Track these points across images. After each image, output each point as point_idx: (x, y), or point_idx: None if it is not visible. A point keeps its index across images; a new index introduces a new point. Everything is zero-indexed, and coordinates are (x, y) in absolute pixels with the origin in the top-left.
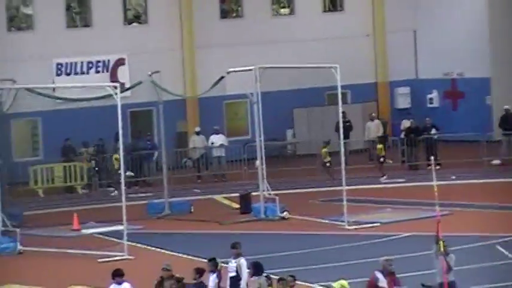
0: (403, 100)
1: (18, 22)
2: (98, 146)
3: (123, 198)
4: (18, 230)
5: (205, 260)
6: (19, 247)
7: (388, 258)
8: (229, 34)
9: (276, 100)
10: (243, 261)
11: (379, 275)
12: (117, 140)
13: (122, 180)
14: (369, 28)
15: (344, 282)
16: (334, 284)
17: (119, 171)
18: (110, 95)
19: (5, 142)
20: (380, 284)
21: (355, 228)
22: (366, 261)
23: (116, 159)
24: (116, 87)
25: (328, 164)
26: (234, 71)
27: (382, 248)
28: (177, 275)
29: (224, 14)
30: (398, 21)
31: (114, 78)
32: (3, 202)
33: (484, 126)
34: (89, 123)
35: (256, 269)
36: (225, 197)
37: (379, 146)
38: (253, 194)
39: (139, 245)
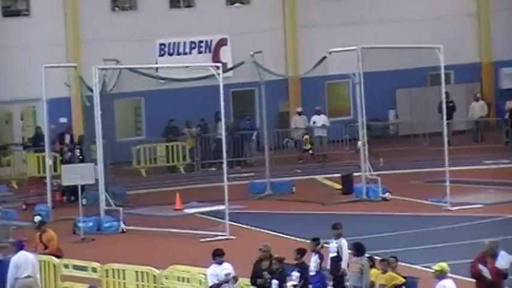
0: (508, 80)
1: (122, 2)
2: (201, 126)
3: (225, 178)
4: (121, 209)
5: (307, 241)
6: (122, 226)
7: (493, 240)
8: (331, 14)
9: (378, 80)
10: (344, 241)
11: (482, 267)
12: (217, 120)
13: (224, 160)
14: (473, 7)
15: (444, 264)
16: (434, 266)
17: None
18: (212, 75)
19: (108, 122)
20: (484, 274)
21: (458, 210)
22: (467, 243)
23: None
24: (218, 68)
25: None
26: (336, 51)
27: (484, 229)
28: (277, 255)
29: None
30: (502, 0)
31: (216, 58)
32: (106, 182)
33: None
34: (191, 103)
35: (358, 250)
36: (326, 178)
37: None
38: (355, 174)
39: (240, 224)
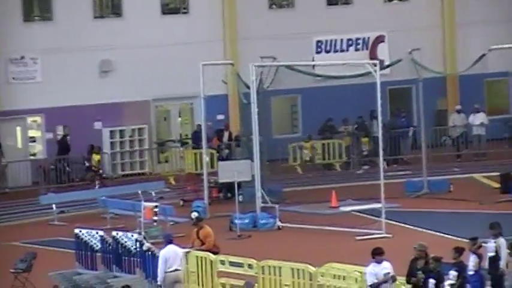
0: None
1: (279, 0)
2: (358, 124)
3: (381, 176)
4: (277, 206)
5: (464, 240)
6: (278, 223)
7: None
8: (489, 11)
9: None
10: (502, 241)
11: None
12: (373, 117)
13: (380, 158)
14: None
15: None
16: None
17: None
18: (369, 73)
19: (265, 119)
20: None
21: None
22: None
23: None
24: (375, 65)
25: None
26: (496, 49)
27: None
28: (434, 255)
29: None
30: None
31: (373, 55)
32: (263, 179)
33: None
34: (347, 100)
35: None
36: (484, 176)
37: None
38: None
39: (396, 223)
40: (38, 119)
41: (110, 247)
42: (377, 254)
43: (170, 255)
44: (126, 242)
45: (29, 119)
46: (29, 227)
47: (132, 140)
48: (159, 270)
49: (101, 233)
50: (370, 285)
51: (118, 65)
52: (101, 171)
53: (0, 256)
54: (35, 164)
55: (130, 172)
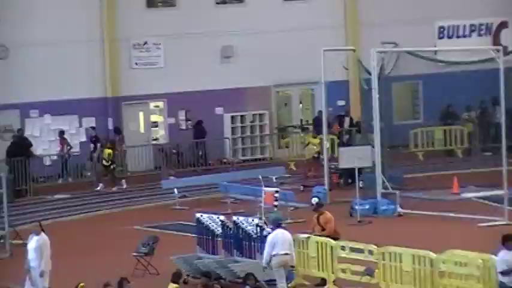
0: None
1: None
2: (481, 110)
3: (504, 163)
4: (398, 192)
5: None
6: (398, 209)
7: None
8: None
9: None
10: None
11: None
12: (495, 103)
13: (503, 145)
14: None
15: None
16: None
17: None
18: (492, 59)
19: (386, 105)
20: None
21: None
22: None
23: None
24: (498, 51)
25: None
26: None
27: None
28: None
29: None
30: None
31: (496, 41)
32: (384, 165)
33: None
34: (470, 86)
35: None
36: None
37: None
38: None
39: None
40: (161, 104)
41: (231, 232)
42: (508, 241)
43: (278, 239)
44: (246, 227)
45: (152, 104)
46: (151, 211)
47: (253, 126)
48: (265, 252)
49: (221, 217)
50: (501, 272)
51: (239, 51)
52: (113, 165)
53: (122, 240)
54: (157, 149)
55: (251, 157)
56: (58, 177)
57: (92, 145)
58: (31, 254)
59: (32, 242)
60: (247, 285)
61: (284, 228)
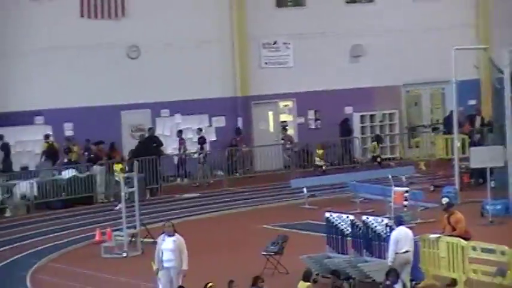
0: None
1: None
2: None
3: None
4: None
5: None
6: None
7: None
8: None
9: None
10: None
11: None
12: None
13: None
14: None
15: None
16: None
17: None
18: None
19: None
20: None
21: None
22: None
23: None
24: None
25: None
26: None
27: None
28: None
29: None
30: None
31: None
32: None
33: None
34: None
35: None
36: None
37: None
38: None
39: None
40: (290, 103)
41: (360, 231)
42: None
43: (401, 237)
44: (376, 226)
45: (281, 104)
46: (280, 210)
47: (382, 125)
48: (389, 250)
49: (351, 217)
50: None
51: (369, 50)
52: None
53: (252, 239)
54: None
55: (381, 157)
56: (184, 176)
57: (199, 146)
58: (168, 255)
59: (168, 243)
60: (387, 280)
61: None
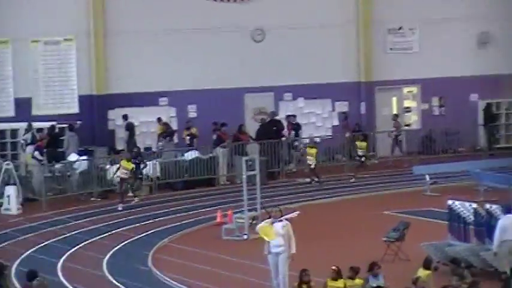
0: None
1: None
2: None
3: None
4: None
5: None
6: None
7: None
8: None
9: None
10: None
11: None
12: None
13: None
14: None
15: None
16: None
17: None
18: None
19: None
20: None
21: None
22: None
23: None
24: None
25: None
26: None
27: None
28: None
29: None
30: None
31: None
32: None
33: None
34: None
35: None
36: None
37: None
38: None
39: None
40: (414, 89)
41: (483, 220)
42: None
43: (509, 225)
44: (499, 215)
45: (405, 90)
46: (401, 196)
47: (508, 113)
48: (495, 238)
49: (474, 205)
50: None
51: (497, 37)
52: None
53: (373, 225)
54: (409, 135)
55: (506, 145)
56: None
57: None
58: (278, 241)
59: (278, 229)
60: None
61: None
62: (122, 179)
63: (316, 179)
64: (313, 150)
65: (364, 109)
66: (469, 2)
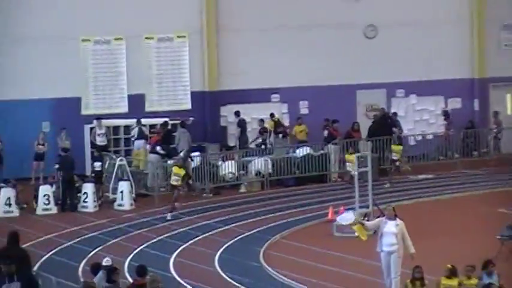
0: None
1: None
2: None
3: None
4: None
5: None
6: None
7: None
8: None
9: None
10: None
11: None
12: None
13: None
14: None
15: None
16: None
17: None
18: None
19: None
20: None
21: None
22: None
23: None
24: None
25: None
26: None
27: None
28: None
29: None
30: None
31: None
32: None
33: None
34: None
35: None
36: None
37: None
38: None
39: None
40: None
41: None
42: None
43: None
44: None
45: None
46: None
47: None
48: None
49: None
50: None
51: None
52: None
53: (487, 222)
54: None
55: None
56: (422, 157)
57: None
58: (390, 239)
59: (391, 227)
60: None
61: None
62: (172, 186)
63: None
64: (398, 148)
65: (477, 106)
66: None
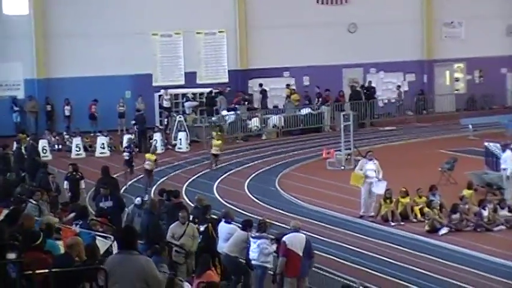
0: None
1: None
2: None
3: None
4: None
5: None
6: None
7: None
8: None
9: None
10: None
11: None
12: None
13: None
14: None
15: None
16: None
17: None
18: None
19: None
20: None
21: None
22: None
23: None
24: None
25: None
26: None
27: None
28: None
29: None
30: None
31: None
32: None
33: None
34: None
35: None
36: None
37: None
38: None
39: None
40: (461, 65)
41: None
42: None
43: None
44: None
45: (455, 65)
46: (450, 140)
47: None
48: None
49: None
50: None
51: None
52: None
53: (431, 159)
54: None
55: None
56: (388, 114)
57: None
58: (370, 173)
59: (370, 165)
60: None
61: None
62: (146, 170)
63: None
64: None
65: (426, 79)
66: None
